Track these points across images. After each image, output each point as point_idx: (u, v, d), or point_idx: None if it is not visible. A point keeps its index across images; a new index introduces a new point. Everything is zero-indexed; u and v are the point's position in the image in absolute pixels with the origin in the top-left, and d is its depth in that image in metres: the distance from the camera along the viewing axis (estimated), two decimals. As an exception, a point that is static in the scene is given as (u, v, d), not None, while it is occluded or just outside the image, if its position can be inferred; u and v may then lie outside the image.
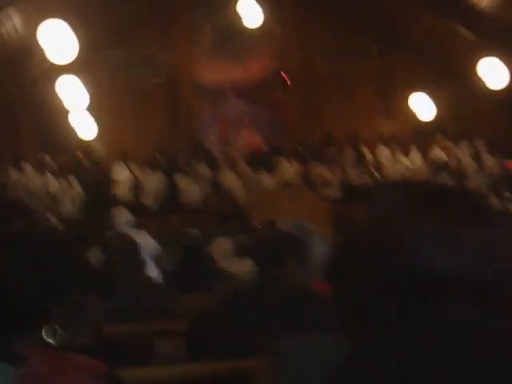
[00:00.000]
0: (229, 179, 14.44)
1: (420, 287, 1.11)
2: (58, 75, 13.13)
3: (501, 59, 13.05)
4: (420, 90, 15.12)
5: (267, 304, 3.00)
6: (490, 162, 14.95)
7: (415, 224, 1.13)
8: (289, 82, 16.50)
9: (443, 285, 1.11)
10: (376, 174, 14.60)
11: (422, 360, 1.06)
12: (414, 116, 15.54)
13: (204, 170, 14.88)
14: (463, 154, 15.11)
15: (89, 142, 14.82)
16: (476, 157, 14.97)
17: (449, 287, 1.11)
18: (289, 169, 14.63)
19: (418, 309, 1.11)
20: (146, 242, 7.50)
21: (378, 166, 15.05)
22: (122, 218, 8.36)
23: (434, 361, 1.05)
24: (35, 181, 13.88)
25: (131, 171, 14.59)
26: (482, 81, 13.39)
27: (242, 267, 5.95)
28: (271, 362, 2.31)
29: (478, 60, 13.36)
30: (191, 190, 14.43)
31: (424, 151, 15.19)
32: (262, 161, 14.70)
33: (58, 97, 13.30)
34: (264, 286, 3.12)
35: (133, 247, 4.60)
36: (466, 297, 1.11)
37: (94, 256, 4.91)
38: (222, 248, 6.92)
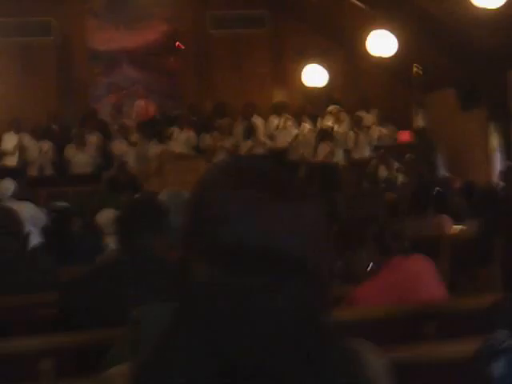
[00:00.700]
0: (122, 149, 14.32)
1: (228, 259, 1.17)
2: None
3: (389, 30, 13.35)
4: (313, 60, 15.30)
5: (129, 274, 3.07)
6: (382, 131, 15.25)
7: (231, 198, 1.20)
8: (183, 48, 16.41)
9: (250, 257, 1.17)
10: (268, 144, 14.74)
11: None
12: (307, 85, 15.73)
13: (97, 139, 14.72)
14: (355, 123, 15.33)
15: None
16: (366, 126, 15.22)
17: (255, 260, 1.17)
18: (181, 138, 14.60)
19: (226, 278, 1.18)
20: (33, 214, 7.40)
21: (270, 135, 15.17)
22: (8, 190, 8.22)
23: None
24: None
25: (20, 140, 14.29)
26: (372, 51, 13.66)
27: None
28: (130, 329, 2.35)
29: (369, 30, 13.64)
30: (82, 160, 14.27)
31: (314, 119, 15.35)
32: (154, 130, 14.62)
33: None
34: (125, 257, 3.19)
35: (13, 219, 4.54)
36: (273, 269, 1.18)
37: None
38: (106, 219, 6.92)
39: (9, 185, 8.45)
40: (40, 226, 6.96)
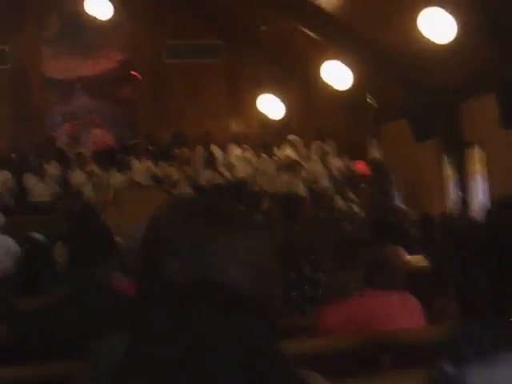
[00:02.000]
0: (79, 179, 14.25)
1: (176, 292, 1.23)
2: None
3: (343, 61, 13.53)
4: (268, 90, 15.42)
5: (81, 309, 3.08)
6: (338, 162, 15.38)
7: (181, 232, 1.26)
8: (139, 77, 16.43)
9: (197, 291, 1.23)
10: (226, 174, 14.77)
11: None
12: (264, 115, 15.84)
13: (54, 169, 14.63)
14: (313, 154, 15.48)
15: None
16: (324, 157, 15.33)
17: (202, 293, 1.23)
18: (139, 168, 14.58)
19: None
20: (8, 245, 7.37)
21: (229, 166, 15.21)
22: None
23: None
24: None
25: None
26: (327, 81, 13.83)
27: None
28: (86, 363, 2.38)
29: (323, 61, 13.80)
30: (40, 189, 14.18)
31: (271, 150, 15.42)
32: (112, 159, 14.58)
33: None
34: (78, 289, 3.20)
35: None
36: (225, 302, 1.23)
37: None
38: (62, 251, 6.88)
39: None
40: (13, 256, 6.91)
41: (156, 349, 1.24)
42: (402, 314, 3.15)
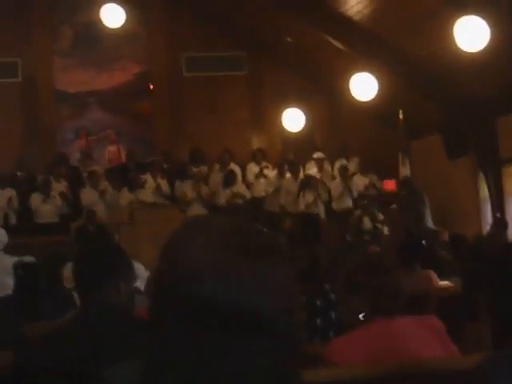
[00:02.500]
0: (91, 198, 14.30)
1: (200, 316, 1.24)
2: None
3: (371, 73, 13.53)
4: (293, 104, 15.44)
5: (91, 334, 3.06)
6: (364, 181, 15.33)
7: (201, 258, 1.27)
8: (152, 89, 16.48)
9: (222, 316, 1.24)
10: (246, 194, 14.76)
11: None
12: (287, 131, 15.83)
13: (64, 187, 14.71)
14: (337, 172, 15.46)
15: None
16: (349, 175, 15.27)
17: (227, 318, 1.24)
18: (154, 186, 14.61)
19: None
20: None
21: (248, 184, 15.21)
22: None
23: None
24: None
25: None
26: (354, 95, 13.81)
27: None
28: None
29: (350, 73, 13.80)
30: (47, 210, 14.25)
31: (297, 168, 15.34)
32: (126, 177, 14.63)
33: None
34: (87, 314, 3.18)
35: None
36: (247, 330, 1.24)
37: None
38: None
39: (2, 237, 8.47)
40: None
41: (174, 378, 1.25)
42: (419, 337, 3.14)
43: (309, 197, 14.19)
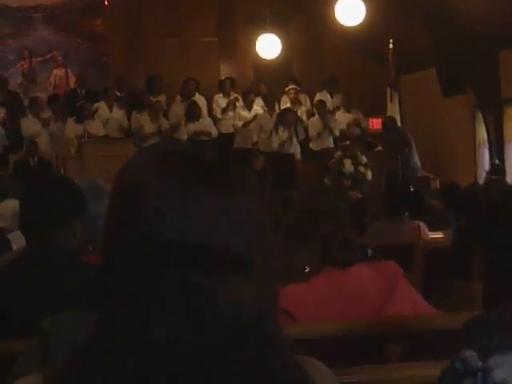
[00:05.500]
0: (34, 128, 14.17)
1: (164, 254, 1.22)
2: None
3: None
4: (268, 29, 15.34)
5: (37, 277, 3.05)
6: (347, 118, 15.31)
7: (162, 188, 1.24)
8: (107, 4, 16.27)
9: (187, 255, 1.22)
10: (212, 129, 14.70)
11: None
12: (261, 59, 15.74)
13: (4, 115, 14.56)
14: (317, 108, 15.37)
15: None
16: (327, 111, 15.21)
17: (192, 255, 1.22)
18: (109, 117, 14.50)
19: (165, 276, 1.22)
20: None
21: (215, 118, 15.13)
22: None
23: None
24: None
25: None
26: (339, 19, 13.75)
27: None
28: (40, 340, 2.39)
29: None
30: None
31: (272, 102, 15.25)
32: (74, 106, 14.51)
33: None
34: (34, 256, 3.16)
35: None
36: (209, 266, 1.22)
37: None
38: (11, 211, 6.86)
39: None
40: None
41: (129, 331, 1.22)
42: (373, 285, 3.20)
43: (283, 134, 14.14)
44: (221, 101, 15.34)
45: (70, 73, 16.12)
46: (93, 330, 1.26)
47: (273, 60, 15.61)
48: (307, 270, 3.24)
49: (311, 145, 14.93)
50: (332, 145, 14.85)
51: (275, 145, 14.01)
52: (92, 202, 3.43)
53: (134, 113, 14.59)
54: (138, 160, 1.29)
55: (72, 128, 13.97)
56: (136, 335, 1.19)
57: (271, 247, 1.29)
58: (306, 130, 14.91)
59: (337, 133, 14.98)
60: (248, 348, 1.21)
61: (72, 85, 15.91)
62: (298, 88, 15.53)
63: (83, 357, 1.25)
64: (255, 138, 14.52)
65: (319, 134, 14.85)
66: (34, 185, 3.51)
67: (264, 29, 15.41)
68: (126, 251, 1.23)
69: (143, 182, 1.23)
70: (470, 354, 1.68)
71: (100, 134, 13.94)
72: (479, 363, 1.66)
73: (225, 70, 16.48)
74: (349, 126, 15.19)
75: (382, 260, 3.40)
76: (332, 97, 15.75)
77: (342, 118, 15.30)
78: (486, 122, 13.99)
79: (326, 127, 14.85)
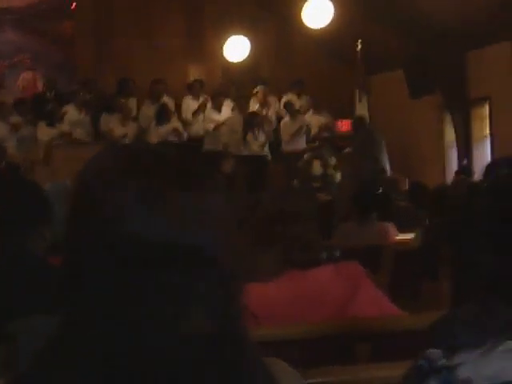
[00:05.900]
0: (1, 132, 14.10)
1: (124, 259, 1.22)
2: None
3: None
4: (237, 31, 15.34)
5: (5, 281, 3.04)
6: (318, 120, 15.33)
7: (124, 187, 1.24)
8: (74, 8, 16.24)
9: (149, 255, 1.22)
10: (181, 130, 14.67)
11: None
12: (229, 62, 15.74)
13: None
14: (286, 109, 15.39)
15: None
16: (296, 110, 15.22)
17: (156, 258, 1.22)
18: (75, 121, 14.44)
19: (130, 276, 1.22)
20: None
21: (185, 122, 15.08)
22: None
23: None
24: None
25: None
26: (308, 22, 13.78)
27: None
28: (6, 346, 2.38)
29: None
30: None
31: (240, 104, 15.25)
32: (42, 109, 14.44)
33: None
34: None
35: None
36: (175, 262, 1.23)
37: None
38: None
39: None
40: None
41: (94, 333, 1.22)
42: (335, 287, 3.22)
43: (253, 137, 14.14)
44: (191, 103, 15.30)
45: (37, 76, 16.02)
46: (55, 331, 1.26)
47: (241, 62, 15.61)
48: (271, 272, 3.26)
49: (283, 146, 14.93)
50: (305, 146, 14.86)
51: (246, 147, 14.02)
52: (62, 205, 3.42)
53: (104, 115, 14.54)
54: (99, 160, 1.29)
55: (44, 131, 13.90)
56: (99, 335, 1.19)
57: (237, 248, 1.30)
58: (276, 131, 14.93)
59: (312, 131, 15.01)
60: (222, 348, 1.21)
61: (40, 88, 15.82)
62: (267, 89, 15.54)
63: (45, 358, 1.24)
64: (226, 140, 14.50)
65: (292, 136, 14.85)
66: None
67: (233, 30, 15.40)
68: (89, 251, 1.23)
69: (105, 182, 1.23)
70: (435, 352, 1.69)
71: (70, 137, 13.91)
72: (444, 361, 1.67)
73: (193, 72, 16.46)
74: (320, 129, 15.21)
75: (347, 262, 3.43)
76: (298, 98, 15.77)
77: (313, 122, 15.31)
78: (454, 123, 14.06)
79: (302, 127, 14.86)
